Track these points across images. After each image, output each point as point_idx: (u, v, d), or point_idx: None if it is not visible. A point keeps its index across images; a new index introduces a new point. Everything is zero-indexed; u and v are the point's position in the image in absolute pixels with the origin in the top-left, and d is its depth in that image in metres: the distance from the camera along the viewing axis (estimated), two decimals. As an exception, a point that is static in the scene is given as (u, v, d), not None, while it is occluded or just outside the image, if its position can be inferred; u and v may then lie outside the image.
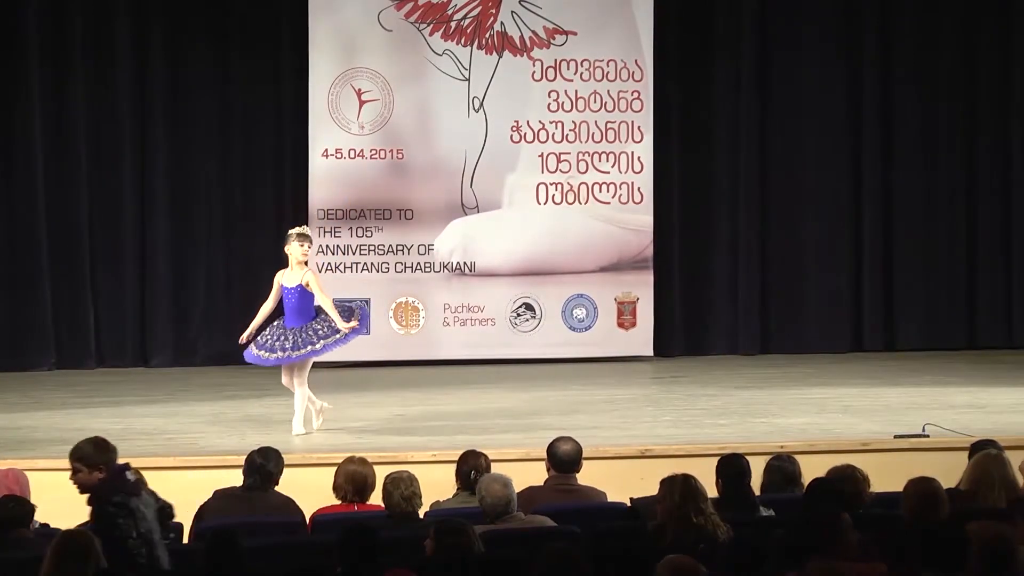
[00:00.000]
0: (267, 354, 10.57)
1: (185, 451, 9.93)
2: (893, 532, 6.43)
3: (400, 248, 14.49)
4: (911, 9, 15.35)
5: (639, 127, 14.72)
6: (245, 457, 7.98)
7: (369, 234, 14.44)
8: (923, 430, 10.12)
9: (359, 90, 14.40)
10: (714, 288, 15.25)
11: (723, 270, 15.24)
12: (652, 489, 6.91)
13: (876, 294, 15.34)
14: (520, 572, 5.77)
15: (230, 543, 6.09)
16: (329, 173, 14.38)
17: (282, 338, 10.57)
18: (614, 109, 14.68)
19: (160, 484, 8.44)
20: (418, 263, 14.52)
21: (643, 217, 14.77)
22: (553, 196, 14.68)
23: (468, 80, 14.54)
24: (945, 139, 15.45)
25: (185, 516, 7.52)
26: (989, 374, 13.48)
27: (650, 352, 14.81)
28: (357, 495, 7.73)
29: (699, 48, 15.13)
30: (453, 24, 14.53)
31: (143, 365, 14.49)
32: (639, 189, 14.76)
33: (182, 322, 14.63)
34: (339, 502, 7.80)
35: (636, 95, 14.70)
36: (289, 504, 7.79)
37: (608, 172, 14.71)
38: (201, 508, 7.75)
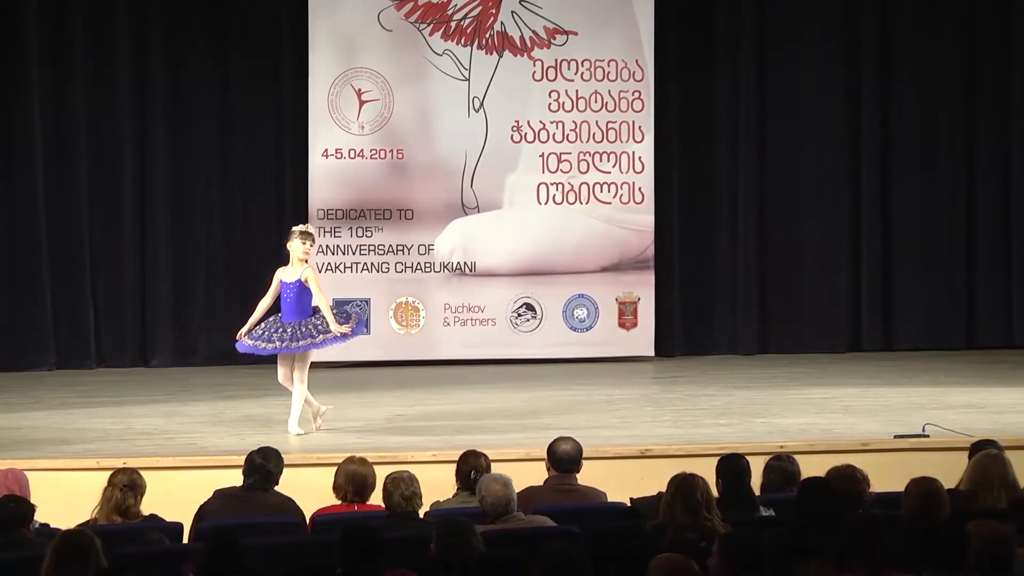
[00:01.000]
0: (263, 344, 10.63)
1: (185, 451, 9.92)
2: (893, 532, 6.43)
3: (400, 248, 14.49)
4: (911, 9, 15.34)
5: (640, 127, 14.72)
6: (245, 457, 7.98)
7: (369, 234, 14.44)
8: (923, 430, 10.12)
9: (359, 90, 14.40)
10: (714, 288, 15.25)
11: (723, 270, 15.23)
12: (652, 489, 6.92)
13: (875, 294, 15.34)
14: (520, 572, 5.76)
15: (231, 543, 6.08)
16: (329, 173, 14.38)
17: (280, 330, 10.62)
18: (615, 109, 14.68)
19: (160, 484, 8.47)
20: (418, 263, 14.52)
21: (644, 217, 14.77)
22: (554, 196, 14.68)
23: (468, 80, 14.54)
24: (944, 139, 15.45)
25: (185, 516, 7.52)
26: (989, 374, 13.47)
27: (651, 352, 14.81)
28: (357, 495, 7.73)
29: (699, 48, 15.14)
30: (453, 24, 14.53)
31: (143, 365, 14.49)
32: (640, 189, 14.75)
33: (182, 322, 14.63)
34: (339, 502, 7.80)
35: (637, 95, 14.70)
36: (289, 504, 7.79)
37: (609, 172, 14.71)
38: (201, 508, 7.75)
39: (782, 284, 15.30)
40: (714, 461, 7.53)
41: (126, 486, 7.37)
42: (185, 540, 7.34)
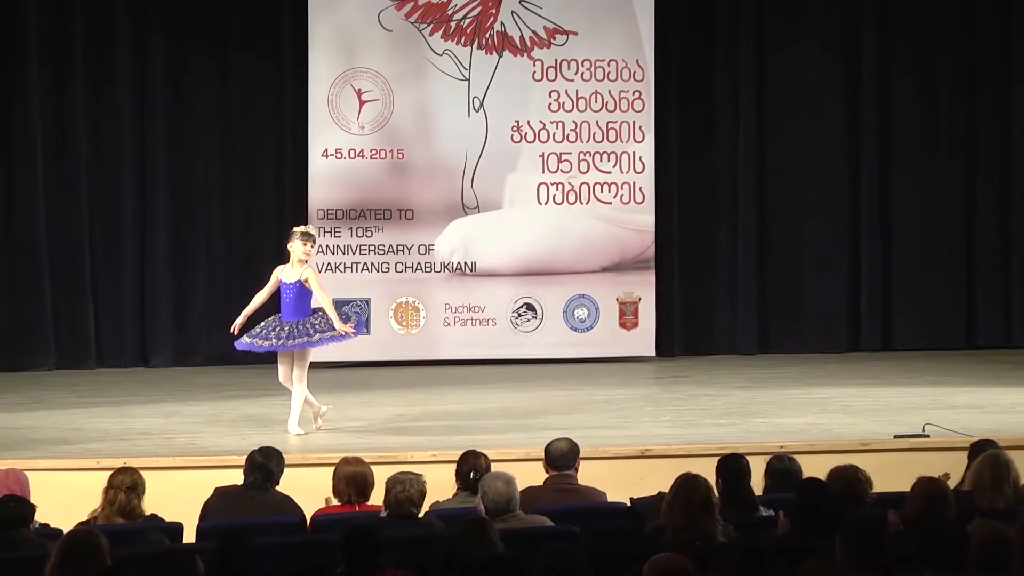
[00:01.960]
0: (261, 341, 10.64)
1: (185, 451, 9.92)
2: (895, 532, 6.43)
3: (400, 248, 14.49)
4: (910, 10, 15.35)
5: (640, 127, 14.72)
6: (245, 457, 7.98)
7: (369, 234, 14.44)
8: (923, 430, 10.12)
9: (359, 90, 14.40)
10: (715, 288, 15.26)
11: (724, 270, 15.24)
12: (652, 489, 6.92)
13: (874, 294, 15.35)
14: (520, 572, 5.76)
15: (242, 542, 6.07)
16: (329, 173, 14.38)
17: (277, 328, 10.66)
18: (615, 109, 14.68)
19: (160, 484, 8.47)
20: (419, 263, 14.52)
21: (645, 217, 14.77)
22: (554, 196, 14.68)
23: (468, 80, 14.54)
24: (944, 140, 15.45)
25: (185, 516, 7.51)
26: (988, 374, 13.48)
27: (652, 352, 14.81)
28: (360, 495, 7.71)
29: (699, 48, 15.14)
30: (453, 24, 14.53)
31: (143, 365, 14.49)
32: (640, 189, 14.75)
33: (182, 322, 14.63)
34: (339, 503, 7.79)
35: (637, 95, 14.70)
36: (289, 504, 7.79)
37: (609, 172, 14.71)
38: (204, 506, 7.75)
39: (782, 284, 15.30)
40: (714, 461, 7.53)
41: (129, 488, 7.37)
42: (186, 539, 7.33)
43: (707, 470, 7.35)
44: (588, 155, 14.69)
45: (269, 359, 14.54)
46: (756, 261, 15.22)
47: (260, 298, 10.87)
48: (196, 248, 14.66)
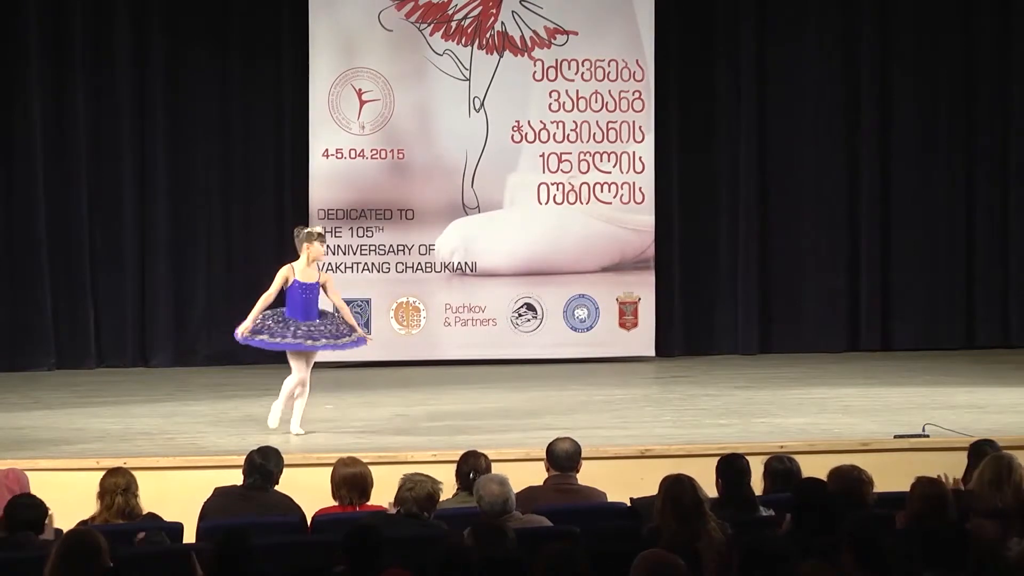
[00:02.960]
0: (271, 339, 10.62)
1: (185, 451, 9.92)
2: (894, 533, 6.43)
3: (401, 248, 14.49)
4: (910, 10, 15.35)
5: (640, 127, 14.73)
6: (245, 457, 7.98)
7: (370, 234, 14.44)
8: (923, 430, 10.12)
9: (359, 90, 14.41)
10: (715, 288, 15.26)
11: (723, 270, 15.24)
12: (652, 489, 6.91)
13: (874, 294, 15.35)
14: (520, 572, 5.76)
15: (241, 543, 6.07)
16: (330, 173, 14.38)
17: (287, 326, 10.61)
18: (615, 109, 14.68)
19: (160, 484, 8.47)
20: (419, 263, 14.52)
21: (644, 217, 14.77)
22: (554, 196, 14.68)
23: (469, 80, 14.54)
24: (943, 140, 15.46)
25: (184, 516, 7.51)
26: (988, 374, 13.48)
27: (652, 352, 14.81)
28: (361, 497, 7.69)
29: (699, 48, 15.14)
30: (454, 24, 14.53)
31: (143, 365, 14.49)
32: (640, 189, 14.76)
33: (182, 322, 14.63)
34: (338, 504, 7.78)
35: (637, 95, 14.70)
36: (289, 504, 7.78)
37: (609, 172, 14.71)
38: (203, 506, 7.75)
39: (782, 284, 15.31)
40: (714, 461, 7.52)
41: (124, 489, 7.36)
42: (186, 539, 7.33)
43: (707, 470, 7.36)
44: (588, 155, 14.70)
45: (270, 360, 14.60)
46: (756, 261, 15.23)
47: (269, 298, 10.77)
48: (196, 248, 14.66)
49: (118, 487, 7.35)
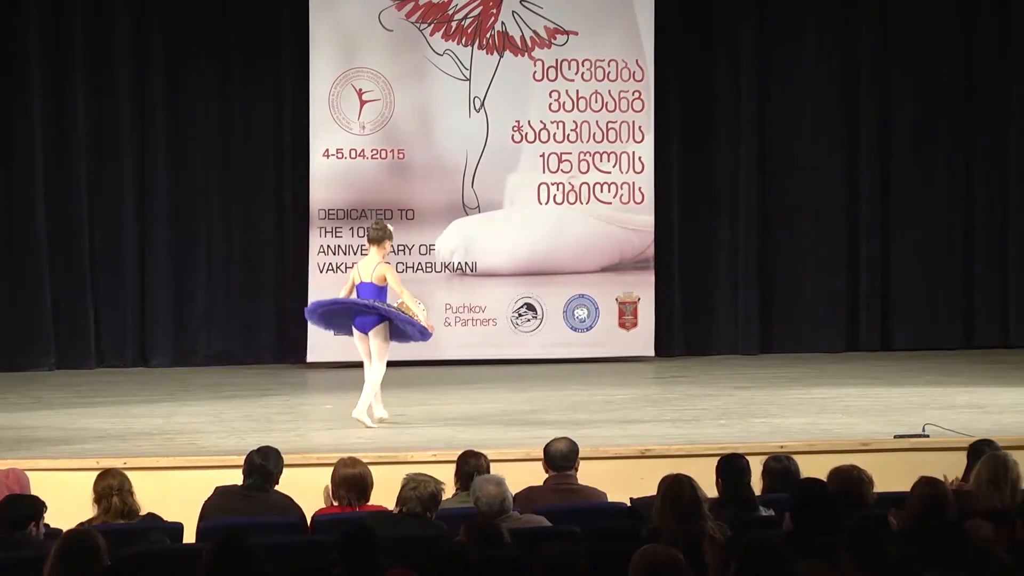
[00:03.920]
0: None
1: (185, 451, 9.92)
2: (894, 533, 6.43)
3: (401, 248, 14.46)
4: (910, 10, 15.35)
5: (640, 127, 14.73)
6: (244, 457, 7.97)
7: (370, 234, 14.42)
8: (923, 430, 10.12)
9: (360, 90, 14.40)
10: (714, 288, 15.26)
11: (723, 270, 15.24)
12: (652, 489, 6.90)
13: (873, 294, 15.35)
14: (520, 572, 5.76)
15: (240, 543, 6.07)
16: (330, 173, 14.38)
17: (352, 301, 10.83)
18: (615, 109, 14.68)
19: (160, 484, 8.47)
20: (419, 263, 14.52)
21: (644, 217, 14.77)
22: (554, 196, 14.68)
23: (469, 80, 14.54)
24: (943, 140, 15.45)
25: (184, 516, 7.51)
26: (987, 374, 13.48)
27: (651, 352, 14.81)
28: (360, 498, 7.67)
29: (699, 48, 15.14)
30: (454, 24, 14.53)
31: (143, 365, 14.49)
32: (640, 189, 14.76)
33: (182, 322, 14.62)
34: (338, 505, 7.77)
35: (637, 95, 14.70)
36: (289, 504, 7.78)
37: (609, 172, 14.71)
38: (203, 506, 7.74)
39: (782, 284, 15.31)
40: (714, 461, 7.52)
41: (119, 489, 7.35)
42: (186, 539, 7.33)
43: (707, 470, 7.36)
44: (588, 155, 14.70)
45: (270, 360, 14.62)
46: (756, 261, 15.22)
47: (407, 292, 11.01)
48: (196, 248, 14.65)
49: (112, 489, 7.34)
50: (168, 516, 7.39)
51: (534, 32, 14.59)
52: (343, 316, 10.92)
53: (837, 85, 15.28)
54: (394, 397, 12.49)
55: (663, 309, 14.97)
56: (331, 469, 7.91)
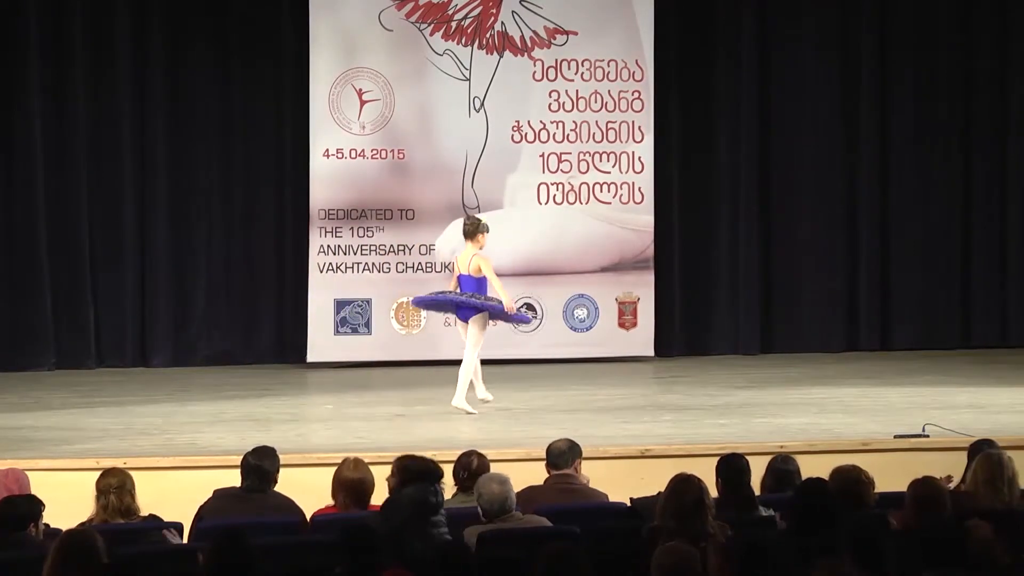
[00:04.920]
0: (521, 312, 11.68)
1: (185, 451, 9.92)
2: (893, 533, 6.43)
3: (401, 248, 14.49)
4: (909, 11, 15.35)
5: (640, 127, 14.73)
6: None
7: (370, 234, 14.44)
8: (923, 430, 10.12)
9: (360, 90, 14.40)
10: (714, 288, 15.25)
11: (723, 270, 15.23)
12: (652, 489, 6.91)
13: (873, 294, 15.35)
14: (520, 572, 5.76)
15: (239, 542, 6.07)
16: (330, 173, 14.38)
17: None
18: (615, 109, 14.68)
19: (160, 484, 8.47)
20: (419, 263, 14.52)
21: (644, 217, 14.78)
22: (554, 196, 14.68)
23: (469, 80, 14.54)
24: (941, 141, 15.46)
25: (184, 516, 7.51)
26: (987, 374, 13.47)
27: (651, 352, 14.80)
28: (358, 504, 7.64)
29: (699, 48, 15.14)
30: (454, 24, 14.53)
31: (143, 365, 14.48)
32: (640, 189, 14.76)
33: (182, 322, 14.62)
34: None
35: (637, 95, 14.70)
36: (289, 504, 7.77)
37: (609, 172, 14.71)
38: (200, 508, 7.73)
39: (782, 284, 15.31)
40: (714, 461, 7.52)
41: (118, 488, 7.35)
42: (185, 540, 7.33)
43: (707, 470, 7.35)
44: (588, 155, 14.70)
45: (270, 360, 14.62)
46: (756, 261, 15.22)
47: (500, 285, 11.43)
48: (196, 248, 14.65)
49: (110, 487, 7.34)
50: (168, 516, 7.39)
51: (534, 32, 14.59)
52: (448, 305, 11.73)
53: (837, 85, 15.28)
54: (394, 397, 12.52)
55: (663, 309, 14.97)
56: (331, 469, 7.90)
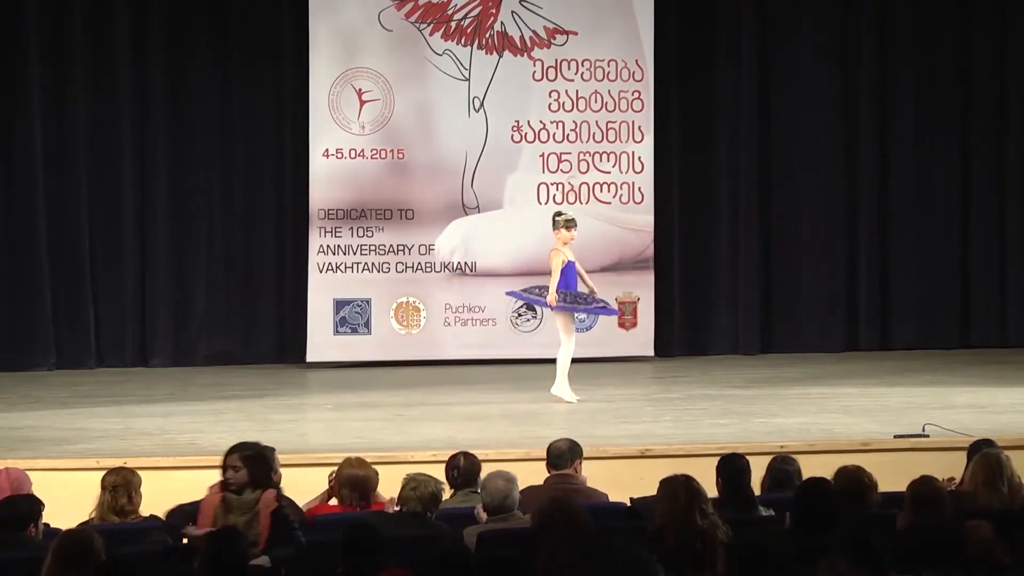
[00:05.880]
0: (584, 304, 11.97)
1: (185, 451, 9.91)
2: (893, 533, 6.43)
3: (401, 248, 14.49)
4: (909, 12, 15.35)
5: (639, 127, 14.72)
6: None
7: (370, 234, 14.44)
8: (923, 430, 10.11)
9: (360, 90, 14.40)
10: (714, 288, 15.25)
11: (723, 270, 15.23)
12: (652, 489, 6.91)
13: (873, 293, 15.35)
14: (520, 572, 5.76)
15: (234, 543, 6.07)
16: (330, 173, 14.38)
17: (579, 297, 11.86)
18: (615, 109, 14.68)
19: (160, 484, 8.47)
20: (419, 263, 14.52)
21: (644, 217, 14.77)
22: (554, 196, 14.67)
23: (468, 80, 14.54)
24: (941, 140, 15.46)
25: (185, 516, 7.52)
26: (986, 373, 13.46)
27: (651, 352, 14.80)
28: (362, 500, 7.66)
29: (699, 48, 15.14)
30: (453, 24, 14.53)
31: (143, 365, 14.48)
32: (640, 189, 14.76)
33: (182, 322, 14.62)
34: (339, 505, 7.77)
35: (636, 95, 14.70)
36: (289, 504, 7.76)
37: (609, 172, 14.71)
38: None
39: (782, 284, 15.30)
40: (714, 461, 7.52)
41: (116, 486, 7.35)
42: (185, 540, 7.33)
43: (707, 470, 7.36)
44: (588, 155, 14.69)
45: (269, 360, 14.63)
46: (755, 261, 15.22)
47: (556, 279, 11.72)
48: (196, 248, 14.65)
49: (110, 484, 7.36)
50: (167, 516, 7.40)
51: (533, 32, 14.59)
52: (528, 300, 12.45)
53: (837, 85, 15.28)
54: (394, 397, 12.51)
55: (663, 309, 14.96)
56: (330, 469, 7.90)
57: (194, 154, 14.60)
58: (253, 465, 7.27)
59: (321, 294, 14.34)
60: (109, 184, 14.44)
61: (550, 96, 14.63)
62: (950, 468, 7.92)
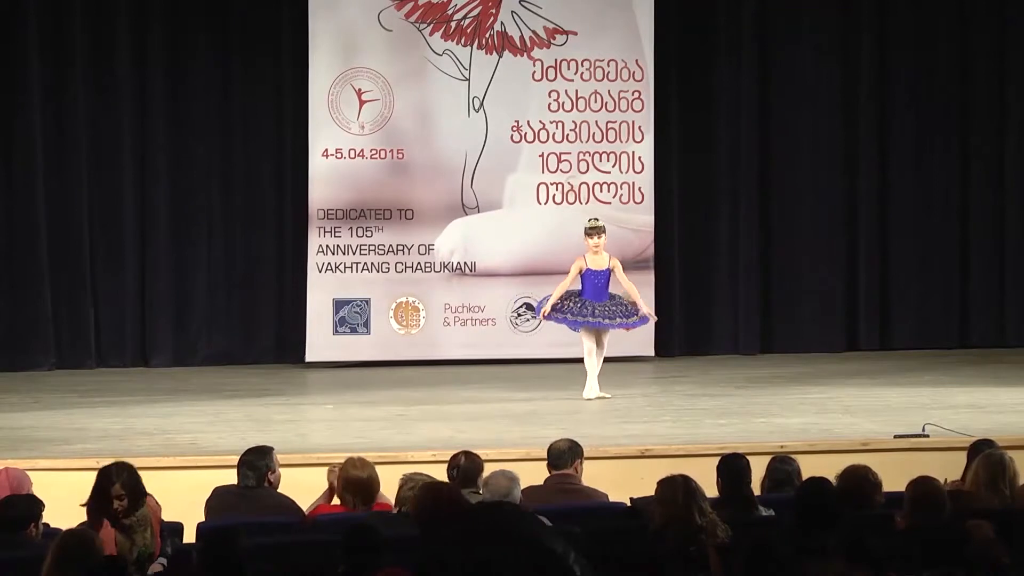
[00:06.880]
0: (572, 317, 11.98)
1: (185, 451, 9.91)
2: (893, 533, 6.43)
3: (400, 248, 14.49)
4: (909, 13, 15.36)
5: (639, 127, 14.73)
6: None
7: (369, 234, 14.44)
8: (923, 430, 10.12)
9: (359, 90, 14.41)
10: (714, 288, 15.25)
11: (723, 270, 15.24)
12: (652, 489, 6.91)
13: (872, 293, 15.35)
14: (519, 572, 5.74)
15: (231, 543, 6.07)
16: (329, 173, 14.39)
17: (584, 307, 11.94)
18: (615, 109, 14.68)
19: (160, 484, 8.46)
20: (419, 263, 14.52)
21: (644, 217, 14.77)
22: (554, 196, 14.68)
23: (468, 80, 14.54)
24: (941, 140, 15.46)
25: (185, 516, 7.52)
26: (985, 373, 13.46)
27: (651, 352, 14.80)
28: (365, 503, 7.65)
29: (699, 48, 15.14)
30: (453, 24, 14.53)
31: (143, 365, 14.49)
32: (640, 189, 14.76)
33: (182, 322, 14.62)
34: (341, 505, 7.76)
35: (636, 95, 14.70)
36: (289, 504, 7.77)
37: (609, 172, 14.71)
38: (207, 507, 7.74)
39: (782, 284, 15.31)
40: (714, 461, 7.52)
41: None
42: (185, 540, 7.33)
43: (707, 470, 7.36)
44: (588, 155, 14.70)
45: (269, 360, 14.63)
46: (756, 261, 15.23)
47: (564, 287, 11.99)
48: (196, 248, 14.66)
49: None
50: (168, 516, 7.40)
51: (533, 32, 14.59)
52: None
53: (837, 85, 15.29)
54: (394, 397, 12.51)
55: (663, 309, 14.94)
56: (330, 469, 7.90)
57: (194, 154, 14.60)
58: (129, 483, 7.15)
59: (320, 294, 14.34)
60: (109, 184, 14.45)
61: (550, 96, 14.64)
62: (950, 468, 7.91)
